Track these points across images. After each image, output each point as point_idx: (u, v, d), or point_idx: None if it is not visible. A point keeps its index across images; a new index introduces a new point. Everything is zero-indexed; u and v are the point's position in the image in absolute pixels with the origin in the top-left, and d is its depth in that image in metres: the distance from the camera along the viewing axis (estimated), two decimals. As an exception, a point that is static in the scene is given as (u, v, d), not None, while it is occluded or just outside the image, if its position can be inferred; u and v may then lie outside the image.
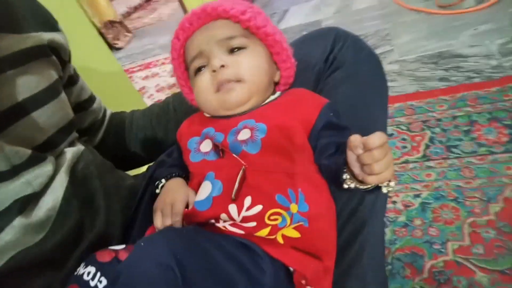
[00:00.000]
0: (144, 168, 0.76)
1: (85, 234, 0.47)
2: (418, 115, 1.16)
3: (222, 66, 0.49)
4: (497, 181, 0.90)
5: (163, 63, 2.30)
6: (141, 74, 2.28)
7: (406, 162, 1.04)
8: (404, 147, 1.09)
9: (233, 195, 0.42)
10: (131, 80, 2.23)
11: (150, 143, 0.71)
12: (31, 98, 0.46)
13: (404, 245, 0.85)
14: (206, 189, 0.45)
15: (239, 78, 0.50)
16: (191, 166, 0.51)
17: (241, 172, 0.44)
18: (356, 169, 0.38)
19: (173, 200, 0.47)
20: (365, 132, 0.49)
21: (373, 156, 0.34)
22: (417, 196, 0.94)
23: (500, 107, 1.07)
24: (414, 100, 1.22)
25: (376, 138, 0.34)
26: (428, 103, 1.18)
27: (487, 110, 1.08)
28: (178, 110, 0.69)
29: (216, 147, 0.49)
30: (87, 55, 1.10)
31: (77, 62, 1.00)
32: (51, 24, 0.55)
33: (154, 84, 2.08)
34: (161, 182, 0.52)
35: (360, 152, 0.35)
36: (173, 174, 0.52)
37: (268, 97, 0.54)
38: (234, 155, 0.46)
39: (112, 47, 2.85)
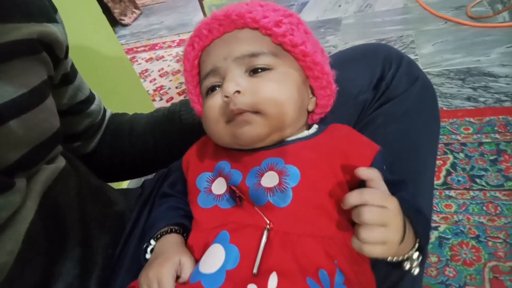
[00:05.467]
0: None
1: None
2: (440, 136, 1.07)
3: (238, 92, 0.38)
4: (524, 222, 0.82)
5: (169, 46, 2.18)
6: (145, 55, 2.17)
7: (424, 187, 0.95)
8: (422, 170, 1.00)
9: (255, 270, 0.32)
10: (134, 61, 2.12)
11: (150, 155, 0.61)
12: (5, 106, 0.35)
13: (416, 284, 0.77)
14: (217, 257, 0.34)
15: (257, 109, 0.38)
16: (199, 212, 0.41)
17: (264, 236, 0.34)
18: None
19: (158, 274, 0.35)
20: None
21: (361, 214, 0.30)
22: (434, 228, 0.86)
23: (531, 138, 0.98)
24: (437, 119, 1.13)
25: (354, 194, 0.31)
26: (452, 123, 1.09)
27: (518, 139, 0.99)
28: (185, 121, 0.59)
29: (232, 191, 0.39)
30: (87, 33, 1.01)
31: (75, 40, 0.91)
32: (47, 14, 0.44)
33: (157, 68, 1.97)
34: (150, 245, 0.41)
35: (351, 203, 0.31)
36: (170, 230, 0.41)
37: (300, 131, 0.43)
38: (256, 207, 0.36)
39: (117, 23, 2.72)
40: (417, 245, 0.35)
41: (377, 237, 0.30)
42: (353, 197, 0.31)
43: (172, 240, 0.40)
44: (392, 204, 0.31)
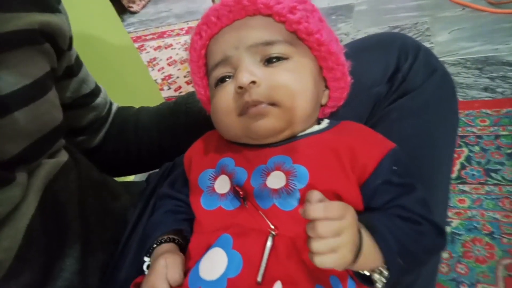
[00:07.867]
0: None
1: (50, 285, 0.37)
2: (454, 128, 1.04)
3: (253, 82, 0.36)
4: (541, 219, 0.79)
5: (177, 34, 2.16)
6: (153, 44, 2.15)
7: (436, 181, 0.93)
8: (435, 163, 0.97)
9: (259, 278, 0.30)
10: (142, 49, 2.11)
11: (155, 149, 0.60)
12: (7, 98, 0.35)
13: (427, 280, 0.76)
14: (219, 264, 0.32)
15: (274, 101, 0.36)
16: (202, 215, 0.39)
17: (269, 242, 0.32)
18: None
19: (152, 285, 0.34)
20: (426, 182, 0.38)
21: (313, 229, 0.28)
22: (447, 224, 0.83)
23: (551, 131, 0.94)
24: (451, 110, 1.09)
25: (319, 208, 0.28)
26: (468, 115, 1.06)
27: (537, 132, 0.95)
28: (191, 114, 0.57)
29: (235, 191, 0.37)
30: (93, 22, 0.99)
31: (80, 29, 0.89)
32: (49, 4, 0.43)
33: (166, 57, 1.95)
34: (145, 262, 0.39)
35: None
36: (159, 241, 0.39)
37: (311, 126, 0.41)
38: (260, 211, 0.35)
39: (126, 11, 2.70)
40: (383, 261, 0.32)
41: (328, 245, 0.28)
42: (316, 211, 0.28)
43: (160, 251, 0.38)
44: (349, 213, 0.30)
